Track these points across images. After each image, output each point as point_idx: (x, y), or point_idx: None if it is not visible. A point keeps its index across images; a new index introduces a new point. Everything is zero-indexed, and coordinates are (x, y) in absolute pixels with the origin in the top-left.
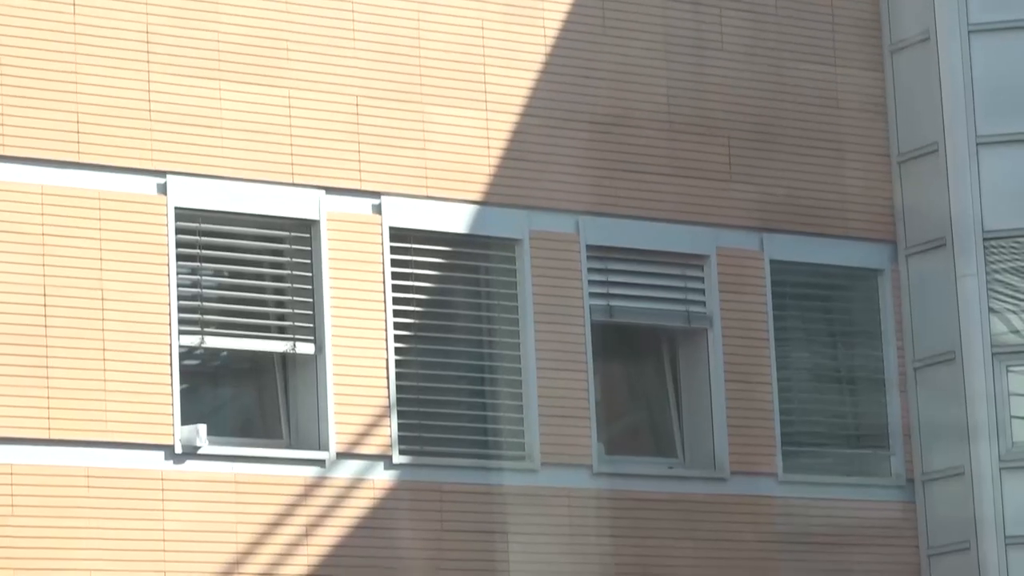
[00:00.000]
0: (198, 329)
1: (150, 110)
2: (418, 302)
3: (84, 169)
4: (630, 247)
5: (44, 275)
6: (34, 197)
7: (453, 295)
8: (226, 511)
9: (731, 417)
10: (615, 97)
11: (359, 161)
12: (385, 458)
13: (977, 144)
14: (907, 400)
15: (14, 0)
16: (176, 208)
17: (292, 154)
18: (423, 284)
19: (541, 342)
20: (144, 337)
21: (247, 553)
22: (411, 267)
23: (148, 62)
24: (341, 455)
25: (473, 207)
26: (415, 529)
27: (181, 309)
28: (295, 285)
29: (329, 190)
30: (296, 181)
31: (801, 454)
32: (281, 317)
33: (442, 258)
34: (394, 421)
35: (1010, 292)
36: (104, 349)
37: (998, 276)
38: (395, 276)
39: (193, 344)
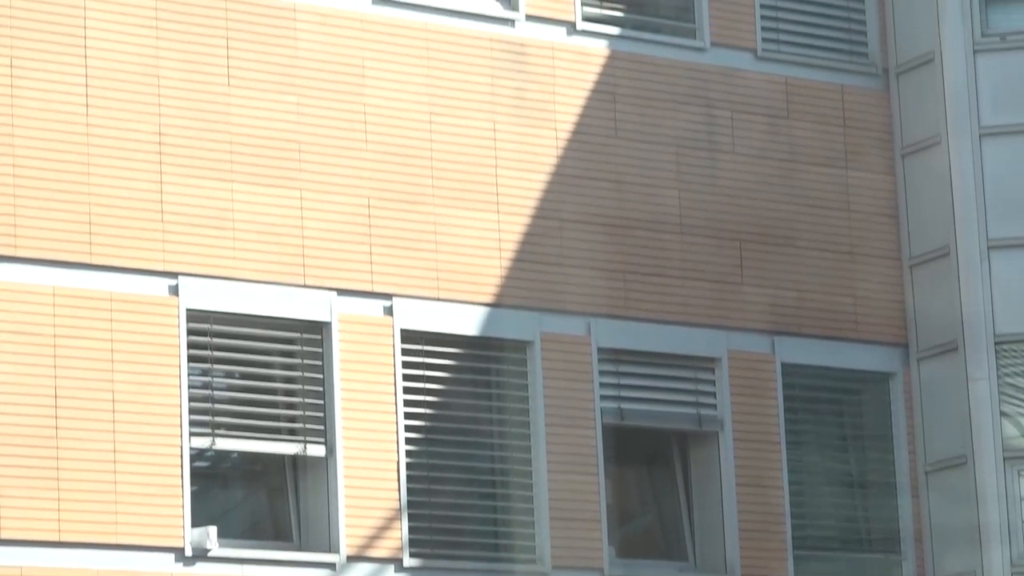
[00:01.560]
0: (209, 431)
1: (162, 211)
2: (429, 404)
3: (96, 270)
4: (641, 349)
5: (55, 376)
6: (46, 298)
7: (464, 397)
8: None
9: (742, 520)
10: (627, 200)
11: (371, 263)
12: (396, 561)
13: (988, 248)
14: (919, 504)
15: (27, 101)
16: (187, 309)
17: (304, 255)
18: (434, 386)
19: (552, 444)
20: (155, 439)
21: None
22: (422, 369)
23: (160, 163)
24: (352, 558)
25: (484, 309)
26: None
27: (192, 411)
28: (306, 387)
29: (341, 291)
30: (308, 282)
31: (812, 558)
32: (292, 419)
33: (453, 360)
34: (405, 524)
35: (1022, 396)
36: (115, 451)
37: (1009, 380)
38: (406, 378)
39: (204, 446)
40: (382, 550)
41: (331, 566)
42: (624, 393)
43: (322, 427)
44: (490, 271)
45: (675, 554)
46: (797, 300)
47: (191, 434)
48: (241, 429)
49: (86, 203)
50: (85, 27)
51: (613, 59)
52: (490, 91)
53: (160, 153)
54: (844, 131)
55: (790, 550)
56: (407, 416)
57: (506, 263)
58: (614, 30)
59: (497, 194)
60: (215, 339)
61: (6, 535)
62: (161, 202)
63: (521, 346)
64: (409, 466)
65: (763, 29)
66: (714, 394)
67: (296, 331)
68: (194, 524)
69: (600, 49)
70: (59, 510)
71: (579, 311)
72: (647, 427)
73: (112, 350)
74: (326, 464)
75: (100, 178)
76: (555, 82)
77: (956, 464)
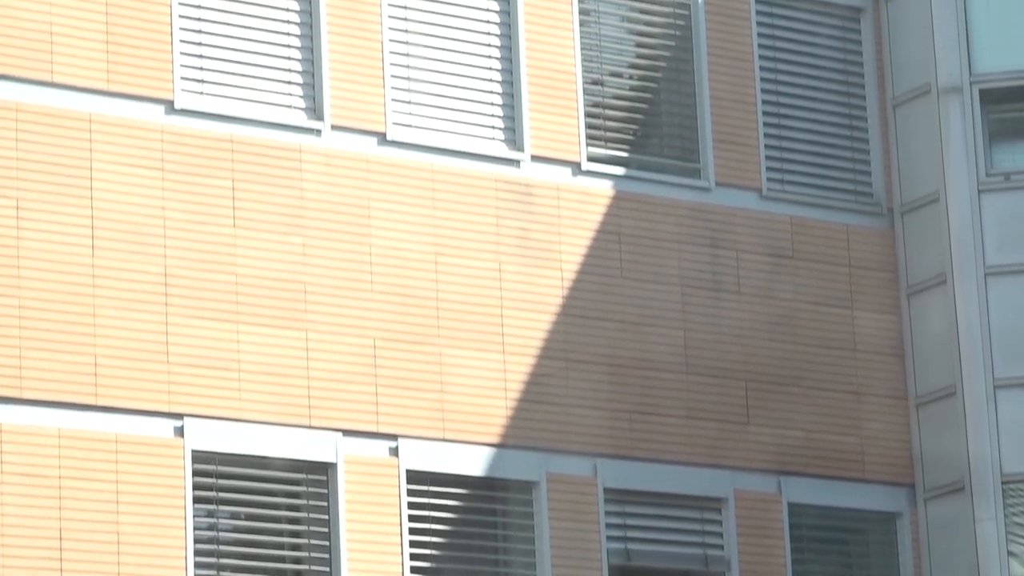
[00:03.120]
0: (214, 573)
1: (167, 352)
2: (435, 545)
3: (101, 412)
4: (648, 490)
5: (60, 518)
6: (51, 440)
7: (470, 538)
8: None
9: None
10: (632, 340)
11: (376, 403)
12: None
13: (995, 387)
14: None
15: (33, 243)
16: (193, 451)
17: (309, 396)
18: (440, 527)
19: None
20: None
21: None
22: (428, 510)
23: (166, 304)
24: None
25: (490, 450)
26: None
27: (197, 552)
28: (312, 528)
29: (346, 432)
30: (313, 424)
31: None
32: (298, 560)
33: (459, 500)
34: None
35: None
36: None
37: (1016, 520)
38: (412, 519)
39: None
40: None
41: None
42: (630, 534)
43: (328, 568)
44: (495, 411)
45: None
46: (803, 440)
47: (196, 575)
48: (247, 571)
49: (91, 344)
50: (91, 168)
51: (618, 199)
52: (495, 231)
53: (166, 295)
54: (849, 271)
55: None
56: (413, 557)
57: (511, 403)
58: (619, 170)
59: (503, 334)
60: (220, 480)
61: None
62: (167, 343)
63: (527, 486)
64: None
65: (768, 169)
66: (721, 534)
67: (301, 472)
68: None
69: (605, 189)
70: None
71: (585, 451)
72: (654, 568)
73: (117, 491)
74: None
75: (106, 319)
76: (560, 222)
77: None
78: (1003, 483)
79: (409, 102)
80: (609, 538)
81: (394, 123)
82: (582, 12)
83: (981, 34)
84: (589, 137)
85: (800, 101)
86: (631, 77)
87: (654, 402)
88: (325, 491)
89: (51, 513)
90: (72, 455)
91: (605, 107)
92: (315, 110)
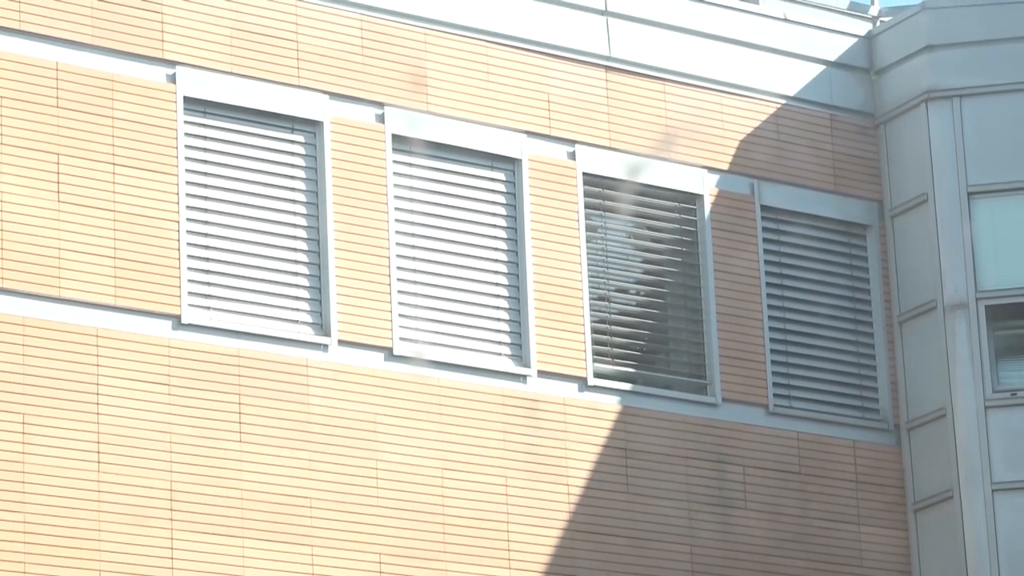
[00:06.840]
0: None
1: (172, 568)
2: None
3: None
4: None
5: None
6: None
7: None
8: None
9: None
10: (638, 555)
11: None
12: None
13: None
14: None
15: (39, 458)
16: None
17: None
18: None
19: None
20: None
21: None
22: None
23: (171, 520)
24: None
25: None
26: None
27: None
28: None
29: None
30: None
31: None
32: None
33: None
34: None
35: None
36: None
37: None
38: None
39: None
40: None
41: None
42: None
43: None
44: None
45: None
46: None
47: None
48: None
49: (96, 560)
50: (98, 383)
51: (625, 415)
52: (502, 447)
53: (171, 510)
54: (856, 487)
55: None
56: None
57: None
58: (626, 386)
59: (509, 550)
60: None
61: None
62: (172, 559)
63: None
64: None
65: (774, 385)
66: None
67: None
68: None
69: (612, 405)
70: None
71: None
72: None
73: None
74: None
75: (111, 534)
76: (567, 438)
77: None
78: None
79: (416, 318)
80: None
81: (401, 338)
82: (589, 228)
83: (986, 251)
84: (595, 353)
85: (806, 317)
86: (638, 293)
87: None
88: None
89: None
90: None
91: (612, 323)
92: (322, 325)
